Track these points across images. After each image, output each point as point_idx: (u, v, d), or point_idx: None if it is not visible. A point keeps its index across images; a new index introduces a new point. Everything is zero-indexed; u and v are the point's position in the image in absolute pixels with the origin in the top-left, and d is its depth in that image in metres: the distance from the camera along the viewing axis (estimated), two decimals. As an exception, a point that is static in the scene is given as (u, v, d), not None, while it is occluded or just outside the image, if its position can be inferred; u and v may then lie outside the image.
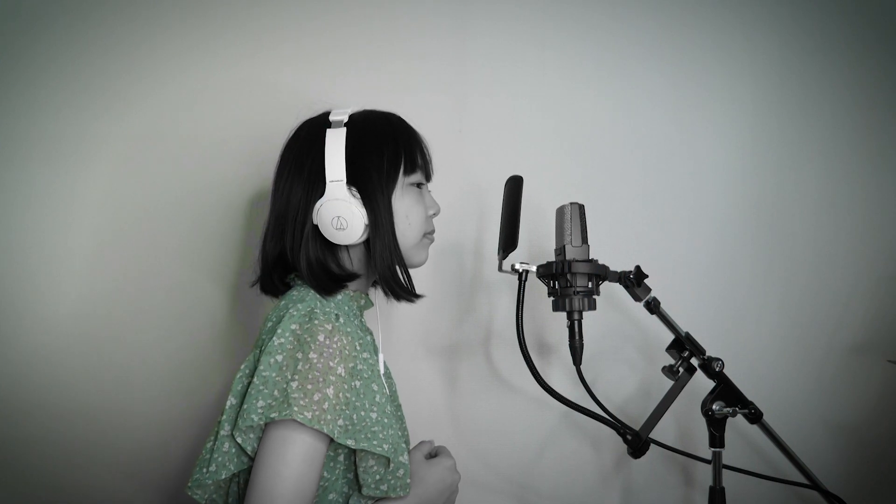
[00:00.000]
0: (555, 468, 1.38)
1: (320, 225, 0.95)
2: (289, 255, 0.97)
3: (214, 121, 1.29)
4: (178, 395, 1.25)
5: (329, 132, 0.95)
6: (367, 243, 0.98)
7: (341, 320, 0.90)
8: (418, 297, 1.03)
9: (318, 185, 0.94)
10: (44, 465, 1.20)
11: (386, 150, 0.97)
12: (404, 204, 0.98)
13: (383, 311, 1.32)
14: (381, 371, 1.04)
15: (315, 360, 0.84)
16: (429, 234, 1.04)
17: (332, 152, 0.94)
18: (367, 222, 0.94)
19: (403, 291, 1.00)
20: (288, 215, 0.97)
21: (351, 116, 0.98)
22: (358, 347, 0.90)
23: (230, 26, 1.30)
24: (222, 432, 0.87)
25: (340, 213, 0.93)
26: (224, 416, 0.88)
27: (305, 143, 0.98)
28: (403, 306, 1.33)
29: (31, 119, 1.22)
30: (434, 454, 1.03)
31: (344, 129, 0.95)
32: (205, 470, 0.88)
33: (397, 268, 0.98)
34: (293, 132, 1.01)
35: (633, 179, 1.41)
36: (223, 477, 0.87)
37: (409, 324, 1.35)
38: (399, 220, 0.97)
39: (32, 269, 1.21)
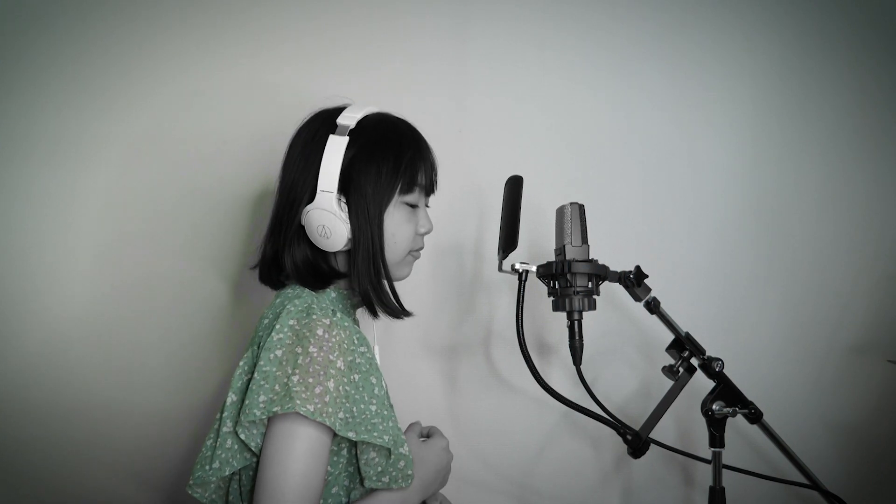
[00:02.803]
0: (555, 468, 1.38)
1: (307, 229, 0.95)
2: (278, 253, 0.97)
3: (214, 120, 1.29)
4: (179, 394, 1.25)
5: (331, 139, 0.93)
6: (349, 255, 0.97)
7: (338, 315, 0.90)
8: (407, 313, 1.01)
9: (311, 190, 0.94)
10: (45, 465, 1.20)
11: (385, 167, 0.95)
12: (393, 221, 0.97)
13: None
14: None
15: (315, 354, 0.84)
16: (414, 252, 1.03)
17: (328, 161, 0.92)
18: (350, 237, 0.94)
19: (386, 308, 0.98)
20: (283, 213, 0.97)
21: (360, 122, 0.95)
22: (356, 341, 0.90)
23: (230, 26, 1.30)
24: (224, 429, 0.87)
25: (325, 223, 0.93)
26: (225, 413, 0.88)
27: (310, 142, 0.96)
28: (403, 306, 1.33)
29: (31, 119, 1.22)
30: (427, 435, 1.05)
31: (346, 139, 0.93)
32: (207, 467, 0.87)
33: (383, 283, 0.97)
34: (305, 121, 1.00)
35: (633, 179, 1.41)
36: (226, 473, 0.87)
37: (409, 324, 1.34)
38: (385, 237, 0.96)
39: (32, 268, 1.21)
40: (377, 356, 1.04)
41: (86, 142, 1.24)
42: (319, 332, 0.86)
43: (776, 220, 1.42)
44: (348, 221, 0.93)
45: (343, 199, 0.94)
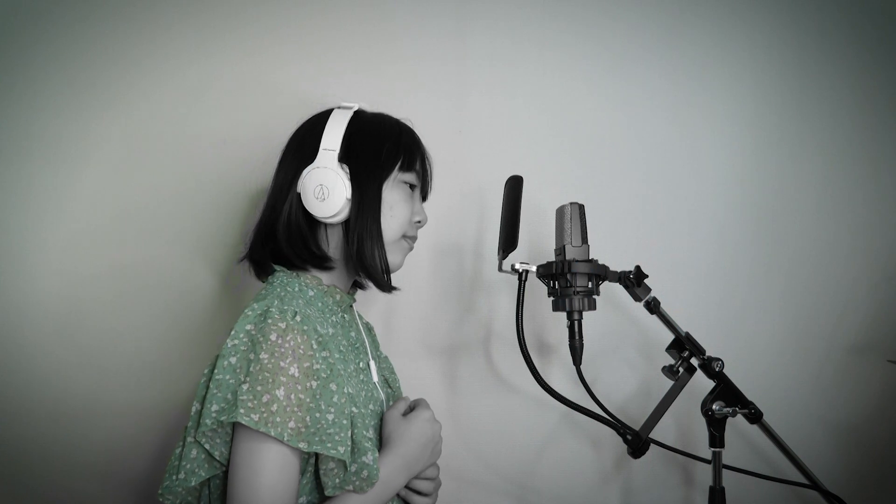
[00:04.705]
0: (555, 468, 1.38)
1: (303, 193, 0.94)
2: (273, 223, 0.97)
3: (213, 120, 1.29)
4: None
5: (335, 111, 0.97)
6: (345, 226, 0.96)
7: (298, 318, 0.86)
8: (391, 287, 1.01)
9: (311, 155, 0.95)
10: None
11: (387, 142, 0.98)
12: (392, 195, 0.98)
13: (384, 311, 1.32)
14: (374, 377, 1.03)
15: (266, 361, 0.82)
16: (408, 238, 1.02)
17: (332, 126, 0.95)
18: (348, 196, 0.94)
19: (378, 276, 0.97)
20: (282, 187, 0.97)
21: (363, 109, 1.00)
22: (315, 346, 0.86)
23: (230, 27, 1.30)
24: (189, 439, 0.86)
25: (324, 182, 0.93)
26: (190, 423, 0.87)
27: (310, 125, 1.00)
28: (403, 306, 1.33)
29: (31, 119, 1.22)
30: (412, 408, 1.01)
31: (350, 112, 0.97)
32: (174, 477, 0.86)
33: (374, 247, 0.96)
34: (302, 123, 1.02)
35: (633, 179, 1.41)
36: (193, 484, 0.86)
37: (409, 324, 1.35)
38: (383, 210, 0.96)
39: (32, 268, 1.21)
40: (373, 371, 1.03)
41: (86, 141, 1.24)
42: (273, 336, 0.84)
43: (776, 220, 1.42)
44: (349, 182, 0.94)
45: (344, 166, 0.95)
